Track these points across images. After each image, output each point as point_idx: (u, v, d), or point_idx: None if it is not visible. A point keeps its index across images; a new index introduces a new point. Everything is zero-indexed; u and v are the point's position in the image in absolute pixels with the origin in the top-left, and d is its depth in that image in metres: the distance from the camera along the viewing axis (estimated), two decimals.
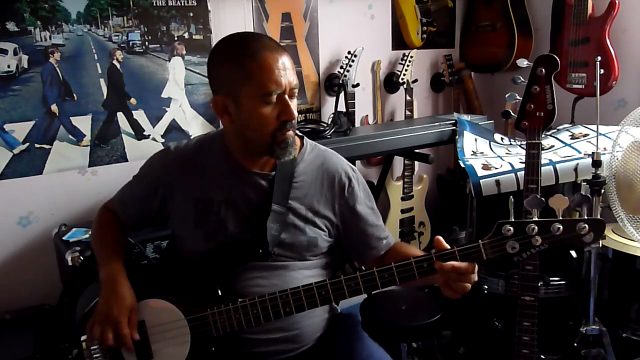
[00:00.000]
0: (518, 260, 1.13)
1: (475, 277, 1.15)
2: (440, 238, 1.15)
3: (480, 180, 1.98)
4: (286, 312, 1.19)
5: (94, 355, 1.22)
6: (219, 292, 1.24)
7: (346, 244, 1.43)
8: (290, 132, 1.26)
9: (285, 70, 1.21)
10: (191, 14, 2.25)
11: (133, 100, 2.16)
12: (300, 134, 1.45)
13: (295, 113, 1.25)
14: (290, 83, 1.22)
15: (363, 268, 1.21)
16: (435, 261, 1.13)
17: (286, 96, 1.22)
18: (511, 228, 1.11)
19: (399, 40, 2.95)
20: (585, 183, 1.84)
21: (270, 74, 1.19)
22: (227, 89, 1.25)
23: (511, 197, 1.18)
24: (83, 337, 1.23)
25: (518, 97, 1.61)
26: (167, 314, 1.23)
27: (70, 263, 1.70)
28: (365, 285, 1.17)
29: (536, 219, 1.12)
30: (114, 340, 1.19)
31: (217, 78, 1.28)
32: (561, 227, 1.09)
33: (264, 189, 1.32)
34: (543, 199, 1.12)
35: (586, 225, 1.09)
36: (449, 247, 1.15)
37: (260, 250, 1.27)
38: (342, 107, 2.55)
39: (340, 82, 2.54)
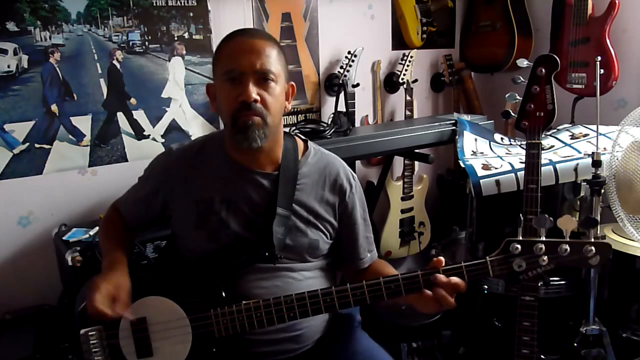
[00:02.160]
0: (523, 278, 1.14)
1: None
2: (442, 260, 1.16)
3: (480, 180, 1.98)
4: (290, 317, 1.20)
5: (93, 349, 1.22)
6: (223, 293, 1.24)
7: (335, 250, 1.43)
8: (255, 118, 1.22)
9: (251, 52, 1.21)
10: (191, 14, 2.25)
11: (133, 100, 2.16)
12: (304, 137, 1.46)
13: (255, 96, 1.21)
14: (253, 65, 1.21)
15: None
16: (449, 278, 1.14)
17: (247, 77, 1.21)
18: (519, 246, 1.12)
19: (399, 40, 2.95)
20: (585, 183, 1.84)
21: (234, 52, 1.23)
22: (213, 73, 1.32)
23: (520, 215, 1.19)
24: (82, 330, 1.23)
25: (518, 97, 1.61)
26: (169, 313, 1.23)
27: (70, 263, 1.70)
28: (370, 295, 1.17)
29: (544, 238, 1.13)
30: (88, 304, 1.16)
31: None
32: (569, 248, 1.11)
33: (266, 189, 1.32)
34: (551, 219, 1.13)
35: (593, 248, 1.10)
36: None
37: (266, 254, 1.27)
38: (342, 107, 2.55)
39: (340, 82, 2.54)
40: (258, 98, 1.22)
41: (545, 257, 1.12)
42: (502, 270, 1.14)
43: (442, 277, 1.14)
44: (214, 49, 2.26)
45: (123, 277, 1.23)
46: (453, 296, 1.15)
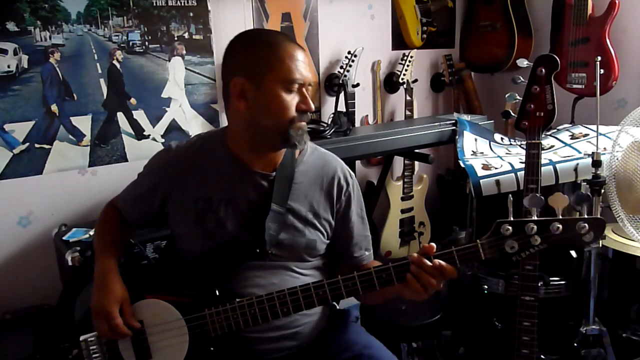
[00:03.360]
0: (517, 260, 1.13)
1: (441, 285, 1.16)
2: (434, 246, 1.16)
3: (480, 180, 1.98)
4: (284, 312, 1.20)
5: (93, 355, 1.23)
6: (217, 292, 1.25)
7: (330, 248, 1.43)
8: (304, 123, 1.29)
9: (306, 64, 1.28)
10: (191, 14, 2.25)
11: (133, 100, 2.16)
12: None
13: (313, 107, 1.29)
14: (310, 78, 1.29)
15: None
16: (433, 260, 1.14)
17: (305, 89, 1.27)
18: (510, 227, 1.11)
19: (399, 40, 2.95)
20: (585, 183, 1.83)
21: (296, 63, 1.25)
22: (250, 72, 1.25)
23: (510, 195, 1.17)
24: (82, 337, 1.24)
25: (518, 97, 1.61)
26: (165, 314, 1.23)
27: (70, 263, 1.70)
28: (362, 285, 1.17)
29: (535, 218, 1.11)
30: (109, 332, 1.20)
31: (240, 61, 1.28)
32: (561, 226, 1.09)
33: (265, 189, 1.32)
34: (542, 197, 1.12)
35: (586, 225, 1.08)
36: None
37: (258, 250, 1.27)
38: (342, 107, 2.55)
39: (340, 82, 2.54)
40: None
41: (538, 237, 1.10)
42: (494, 252, 1.12)
43: (425, 261, 1.13)
44: (214, 49, 2.29)
45: (123, 291, 1.25)
46: (441, 281, 1.14)
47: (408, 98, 2.74)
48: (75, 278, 1.70)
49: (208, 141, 1.40)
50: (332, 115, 2.49)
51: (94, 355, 1.23)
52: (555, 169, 1.94)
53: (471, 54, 3.14)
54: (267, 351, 1.29)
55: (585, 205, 1.13)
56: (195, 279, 1.27)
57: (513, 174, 1.97)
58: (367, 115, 2.87)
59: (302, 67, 1.26)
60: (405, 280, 1.16)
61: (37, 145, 1.97)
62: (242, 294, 1.25)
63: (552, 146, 2.17)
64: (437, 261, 1.13)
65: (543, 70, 1.46)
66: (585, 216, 1.11)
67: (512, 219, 1.12)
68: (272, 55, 1.24)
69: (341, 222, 1.40)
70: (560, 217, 1.10)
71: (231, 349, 1.25)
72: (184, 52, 2.26)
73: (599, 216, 1.11)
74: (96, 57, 2.06)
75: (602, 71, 1.93)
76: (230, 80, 1.27)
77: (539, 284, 1.68)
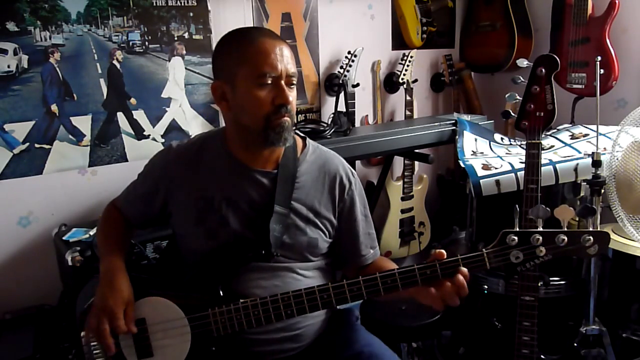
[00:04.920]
0: (521, 270, 1.13)
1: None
2: (444, 253, 1.15)
3: (480, 180, 1.98)
4: (287, 314, 1.19)
5: (94, 351, 1.22)
6: (220, 292, 1.24)
7: (335, 248, 1.42)
8: (287, 119, 1.26)
9: (282, 56, 1.24)
10: (191, 14, 2.25)
11: (133, 100, 2.16)
12: (303, 135, 1.45)
13: (291, 99, 1.26)
14: (287, 69, 1.24)
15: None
16: (439, 268, 1.13)
17: (282, 82, 1.24)
18: (515, 238, 1.11)
19: (399, 40, 2.95)
20: (585, 183, 1.84)
21: (265, 56, 1.22)
22: (225, 73, 1.27)
23: (516, 205, 1.18)
24: (83, 332, 1.23)
25: (518, 97, 1.61)
26: (168, 312, 1.23)
27: (70, 263, 1.70)
28: (367, 290, 1.17)
29: (541, 229, 1.11)
30: (110, 331, 1.19)
31: (217, 64, 1.31)
32: (566, 238, 1.09)
33: (266, 187, 1.32)
34: (548, 209, 1.12)
35: (591, 238, 1.09)
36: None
37: (263, 252, 1.27)
38: (342, 107, 2.55)
39: (340, 82, 2.54)
40: (293, 101, 1.27)
41: (543, 248, 1.10)
42: (499, 262, 1.13)
43: (449, 284, 1.12)
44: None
45: (130, 293, 1.24)
46: (456, 295, 1.14)
47: (408, 98, 2.74)
48: (75, 278, 1.70)
49: (208, 140, 1.40)
50: (332, 115, 2.49)
51: (94, 352, 1.22)
52: (555, 169, 1.94)
53: (471, 54, 3.14)
54: (268, 352, 1.29)
55: (590, 218, 1.12)
56: (198, 278, 1.27)
57: (513, 174, 1.97)
58: (367, 115, 2.87)
59: (273, 59, 1.22)
60: (409, 287, 1.15)
61: (37, 145, 1.96)
62: (245, 294, 1.24)
63: (552, 146, 2.17)
64: (460, 280, 1.12)
65: (543, 70, 1.46)
66: (590, 229, 1.11)
67: (517, 229, 1.13)
68: (240, 53, 1.24)
69: (347, 221, 1.40)
70: (566, 228, 1.11)
71: (233, 350, 1.25)
72: (184, 52, 2.26)
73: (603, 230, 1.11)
74: (96, 57, 2.06)
75: (602, 71, 1.93)
76: (212, 85, 1.31)
77: (539, 284, 1.68)
